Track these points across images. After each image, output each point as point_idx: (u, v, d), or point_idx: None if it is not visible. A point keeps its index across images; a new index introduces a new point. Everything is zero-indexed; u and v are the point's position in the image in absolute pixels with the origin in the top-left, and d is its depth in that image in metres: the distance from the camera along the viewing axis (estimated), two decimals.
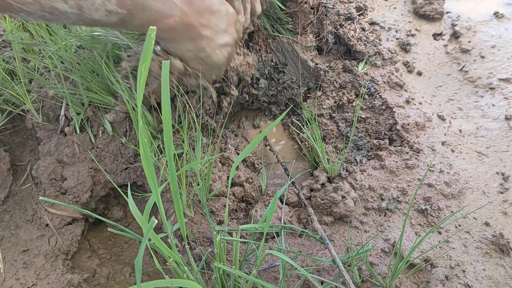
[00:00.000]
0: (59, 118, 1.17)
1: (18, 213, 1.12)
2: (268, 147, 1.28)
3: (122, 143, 1.12)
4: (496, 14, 1.59)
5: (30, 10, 0.75)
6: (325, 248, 0.97)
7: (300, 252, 0.97)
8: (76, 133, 1.15)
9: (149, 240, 0.81)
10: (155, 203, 0.81)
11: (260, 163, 1.23)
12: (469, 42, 1.48)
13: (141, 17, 0.86)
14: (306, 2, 1.24)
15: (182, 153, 1.04)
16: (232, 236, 0.92)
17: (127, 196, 0.75)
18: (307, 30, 1.29)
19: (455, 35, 1.52)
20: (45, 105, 1.18)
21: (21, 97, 1.12)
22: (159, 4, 0.86)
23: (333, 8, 1.36)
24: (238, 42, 1.09)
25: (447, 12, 1.61)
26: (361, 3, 1.56)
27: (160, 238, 0.91)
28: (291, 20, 1.27)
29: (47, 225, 1.07)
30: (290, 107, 1.11)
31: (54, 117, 1.18)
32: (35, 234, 1.06)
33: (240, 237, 0.96)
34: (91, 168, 1.11)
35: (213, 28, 0.96)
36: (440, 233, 1.01)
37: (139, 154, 0.97)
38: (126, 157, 1.14)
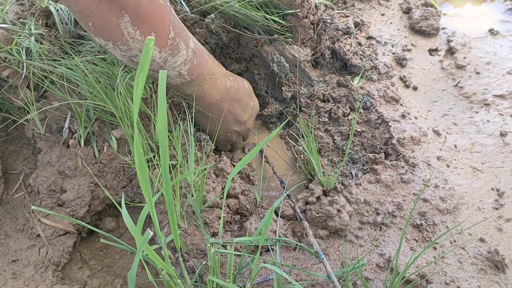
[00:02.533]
0: (62, 130, 1.16)
1: (8, 222, 1.10)
2: (264, 159, 1.28)
3: (125, 161, 1.11)
4: (491, 31, 1.61)
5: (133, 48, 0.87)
6: (320, 262, 0.96)
7: (295, 266, 0.96)
8: (80, 146, 1.13)
9: (142, 251, 0.80)
10: (148, 214, 0.80)
11: (255, 175, 1.23)
12: (465, 58, 1.49)
13: (195, 89, 1.04)
14: (306, 17, 1.25)
15: (176, 165, 1.04)
16: (226, 249, 0.91)
17: (121, 207, 0.74)
18: (306, 45, 1.30)
19: (451, 51, 1.53)
20: (48, 116, 1.17)
21: (27, 106, 1.11)
22: (209, 86, 1.06)
23: (332, 23, 1.36)
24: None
25: (442, 28, 1.63)
26: (358, 18, 1.57)
27: (153, 249, 0.90)
28: (291, 35, 1.27)
29: (38, 235, 1.05)
30: (287, 119, 1.11)
31: (57, 128, 1.17)
32: (26, 244, 1.05)
33: (235, 250, 0.95)
34: (91, 183, 1.09)
35: (233, 117, 1.16)
36: (435, 248, 1.00)
37: None
38: (129, 174, 1.13)
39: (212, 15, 1.35)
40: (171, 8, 0.90)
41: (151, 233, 0.50)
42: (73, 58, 1.06)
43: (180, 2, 1.45)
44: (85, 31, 1.17)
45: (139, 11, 0.82)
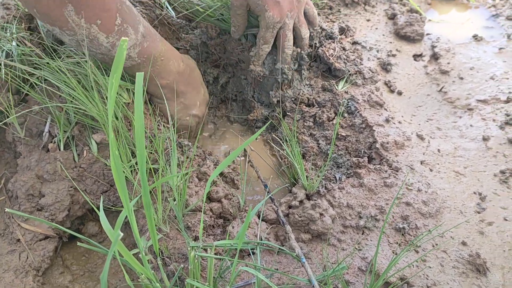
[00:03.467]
0: (42, 134, 1.15)
1: None
2: (248, 163, 1.28)
3: (106, 164, 1.10)
4: (475, 36, 1.63)
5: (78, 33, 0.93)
6: (302, 266, 0.96)
7: (277, 270, 0.95)
8: (59, 150, 1.12)
9: (122, 256, 0.79)
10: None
11: (240, 179, 1.22)
12: (448, 63, 1.50)
13: (146, 70, 1.09)
14: None
15: (158, 169, 1.03)
16: (207, 253, 0.90)
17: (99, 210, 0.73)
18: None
19: (435, 57, 1.55)
20: (28, 119, 1.16)
21: (6, 110, 1.10)
22: (160, 67, 1.12)
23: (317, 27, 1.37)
24: (204, 117, 1.37)
25: (427, 34, 1.64)
26: (343, 23, 1.58)
27: (135, 254, 0.90)
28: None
29: (18, 240, 1.04)
30: (269, 122, 1.11)
31: (37, 132, 1.16)
32: (6, 249, 1.03)
33: (216, 254, 0.95)
34: (71, 187, 1.08)
35: (189, 99, 1.26)
36: (417, 251, 1.01)
37: None
38: (109, 179, 1.12)
39: (198, 31, 1.37)
40: None
41: (121, 234, 0.49)
42: (54, 60, 1.05)
43: (166, 7, 1.45)
44: None
45: (82, 1, 0.87)
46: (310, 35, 1.35)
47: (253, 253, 0.95)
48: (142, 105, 0.59)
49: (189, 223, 0.99)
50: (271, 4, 1.16)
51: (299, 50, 1.30)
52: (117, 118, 1.03)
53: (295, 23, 1.27)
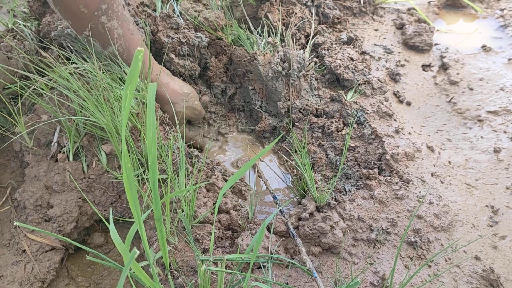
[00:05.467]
0: (50, 144, 1.13)
1: None
2: (257, 174, 1.26)
3: (116, 176, 1.09)
4: (484, 47, 1.62)
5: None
6: (313, 280, 0.94)
7: (287, 284, 0.94)
8: (68, 160, 1.11)
9: (130, 269, 0.77)
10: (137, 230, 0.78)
11: (247, 190, 1.21)
12: (458, 74, 1.49)
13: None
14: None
15: (166, 179, 1.02)
16: (217, 266, 0.89)
17: (108, 222, 0.72)
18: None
19: (444, 67, 1.53)
20: (36, 129, 1.15)
21: (15, 120, 1.09)
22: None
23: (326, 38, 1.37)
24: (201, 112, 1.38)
25: (435, 44, 1.63)
26: (351, 33, 1.57)
27: (142, 266, 0.88)
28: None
29: (24, 251, 1.02)
30: (281, 135, 1.10)
31: (45, 142, 1.14)
32: (11, 259, 1.02)
33: (226, 267, 0.93)
34: (79, 198, 1.07)
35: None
36: (430, 266, 0.99)
37: None
38: (118, 190, 1.11)
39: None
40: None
41: (138, 252, 0.48)
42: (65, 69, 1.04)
43: (178, 15, 1.45)
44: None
45: None
46: None
47: (264, 267, 0.94)
48: (154, 118, 0.58)
49: (197, 235, 0.97)
50: None
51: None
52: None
53: None
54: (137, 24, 1.38)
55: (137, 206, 0.64)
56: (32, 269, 1.00)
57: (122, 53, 1.11)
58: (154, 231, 1.00)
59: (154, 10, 1.54)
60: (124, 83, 1.09)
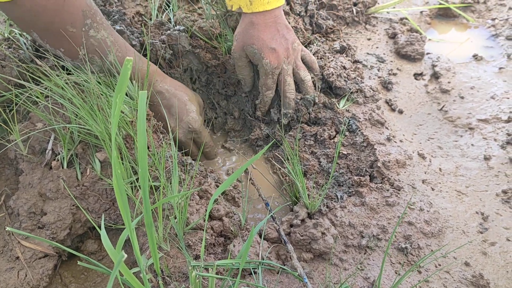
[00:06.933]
0: (45, 151, 1.14)
1: None
2: (250, 180, 1.27)
3: (109, 183, 1.10)
4: (475, 56, 1.64)
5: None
6: (304, 285, 0.95)
7: None
8: (63, 168, 1.12)
9: (122, 275, 0.78)
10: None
11: (240, 197, 1.22)
12: (449, 82, 1.51)
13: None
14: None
15: (159, 186, 1.03)
16: (208, 272, 0.89)
17: (100, 229, 0.73)
18: None
19: (435, 76, 1.56)
20: (31, 137, 1.16)
21: (9, 127, 1.10)
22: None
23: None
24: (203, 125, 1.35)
25: (427, 53, 1.66)
26: (344, 42, 1.59)
27: (135, 273, 0.89)
28: None
29: (17, 258, 1.03)
30: (272, 141, 1.12)
31: (39, 150, 1.15)
32: (4, 266, 1.02)
33: (217, 273, 0.94)
34: (73, 205, 1.08)
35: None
36: (420, 272, 1.00)
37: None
38: (111, 197, 1.11)
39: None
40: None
41: (125, 256, 0.49)
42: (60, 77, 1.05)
43: (173, 25, 1.47)
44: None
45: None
46: (312, 80, 1.36)
47: (255, 273, 0.95)
48: (145, 125, 0.59)
49: (189, 242, 0.98)
50: (267, 51, 1.22)
51: (303, 94, 1.33)
52: (121, 137, 1.03)
53: (294, 68, 1.31)
54: (132, 34, 1.40)
55: (127, 212, 0.65)
56: (26, 275, 1.01)
57: (122, 58, 1.13)
58: (147, 238, 1.01)
59: (150, 19, 1.56)
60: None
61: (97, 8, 1.10)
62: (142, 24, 1.53)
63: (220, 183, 1.23)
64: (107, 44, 1.09)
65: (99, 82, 1.05)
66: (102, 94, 1.02)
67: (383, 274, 0.98)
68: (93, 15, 1.07)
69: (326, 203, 1.11)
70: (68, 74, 1.13)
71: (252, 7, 1.19)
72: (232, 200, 1.20)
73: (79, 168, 1.12)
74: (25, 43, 1.34)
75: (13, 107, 1.18)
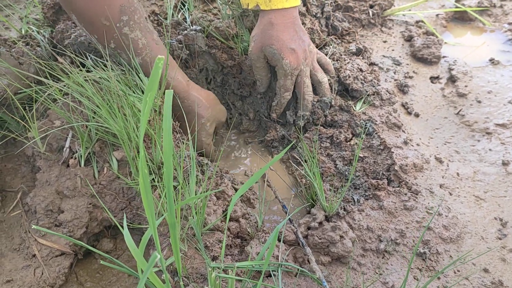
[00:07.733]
0: (62, 149, 1.14)
1: (4, 241, 1.08)
2: (266, 182, 1.27)
3: (126, 182, 1.09)
4: (492, 60, 1.63)
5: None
6: None
7: None
8: (80, 166, 1.12)
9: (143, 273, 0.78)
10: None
11: (256, 198, 1.21)
12: (466, 86, 1.50)
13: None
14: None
15: (176, 186, 1.02)
16: (227, 273, 0.89)
17: (123, 228, 0.72)
18: None
19: (452, 79, 1.54)
20: (49, 135, 1.16)
21: (27, 124, 1.10)
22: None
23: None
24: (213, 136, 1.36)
25: (444, 57, 1.64)
26: (360, 44, 1.58)
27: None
28: None
29: (34, 255, 1.03)
30: (291, 144, 1.11)
31: (57, 148, 1.15)
32: (21, 264, 1.02)
33: (235, 275, 0.93)
34: (90, 204, 1.07)
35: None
36: (439, 278, 0.99)
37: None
38: (128, 197, 1.11)
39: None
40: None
41: (159, 256, 0.48)
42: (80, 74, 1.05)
43: (189, 24, 1.47)
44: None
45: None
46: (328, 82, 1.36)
47: (273, 275, 0.94)
48: (171, 126, 0.59)
49: (207, 242, 0.98)
50: (287, 52, 1.21)
51: (320, 96, 1.33)
52: (137, 136, 1.02)
53: (311, 70, 1.31)
54: None
55: (152, 212, 0.64)
56: (42, 273, 1.01)
57: (150, 63, 1.11)
58: (164, 238, 1.01)
59: (165, 19, 1.56)
60: (141, 91, 1.10)
61: (139, 5, 1.07)
62: (158, 24, 1.53)
63: (235, 184, 1.22)
64: (138, 46, 1.07)
65: (118, 81, 1.05)
66: (122, 92, 1.02)
67: (402, 279, 0.97)
68: (132, 13, 1.04)
69: (344, 206, 1.10)
70: (88, 71, 1.13)
71: (271, 4, 1.18)
72: (247, 201, 1.19)
73: (96, 167, 1.11)
74: (42, 40, 1.34)
75: (31, 104, 1.18)
